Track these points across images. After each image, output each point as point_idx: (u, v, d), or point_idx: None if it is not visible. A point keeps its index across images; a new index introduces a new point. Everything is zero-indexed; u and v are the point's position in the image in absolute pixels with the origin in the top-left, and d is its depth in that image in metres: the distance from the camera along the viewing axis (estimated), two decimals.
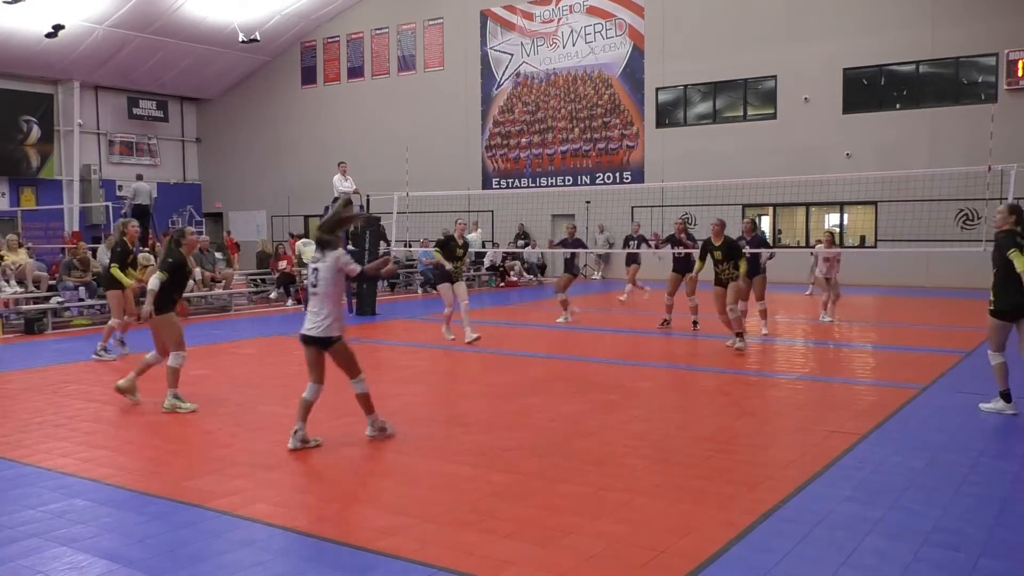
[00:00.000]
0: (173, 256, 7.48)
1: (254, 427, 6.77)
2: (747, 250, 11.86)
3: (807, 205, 22.19)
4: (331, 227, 6.07)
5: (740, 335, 10.38)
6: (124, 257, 10.32)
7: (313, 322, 5.93)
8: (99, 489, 5.20)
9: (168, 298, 7.43)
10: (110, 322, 10.55)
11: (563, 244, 14.54)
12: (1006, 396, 6.89)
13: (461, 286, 11.52)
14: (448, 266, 11.41)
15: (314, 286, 5.97)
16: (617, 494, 4.97)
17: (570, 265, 14.25)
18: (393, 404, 7.71)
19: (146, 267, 14.96)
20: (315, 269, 5.98)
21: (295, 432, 5.97)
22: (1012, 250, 6.68)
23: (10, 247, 14.75)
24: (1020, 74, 19.27)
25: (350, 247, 16.43)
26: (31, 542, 4.34)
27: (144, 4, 25.67)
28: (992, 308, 6.89)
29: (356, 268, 6.01)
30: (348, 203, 6.33)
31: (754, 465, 5.57)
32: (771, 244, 13.30)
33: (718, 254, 10.60)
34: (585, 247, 15.52)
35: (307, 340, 6.00)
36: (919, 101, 20.78)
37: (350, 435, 6.46)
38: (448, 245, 11.62)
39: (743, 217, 22.67)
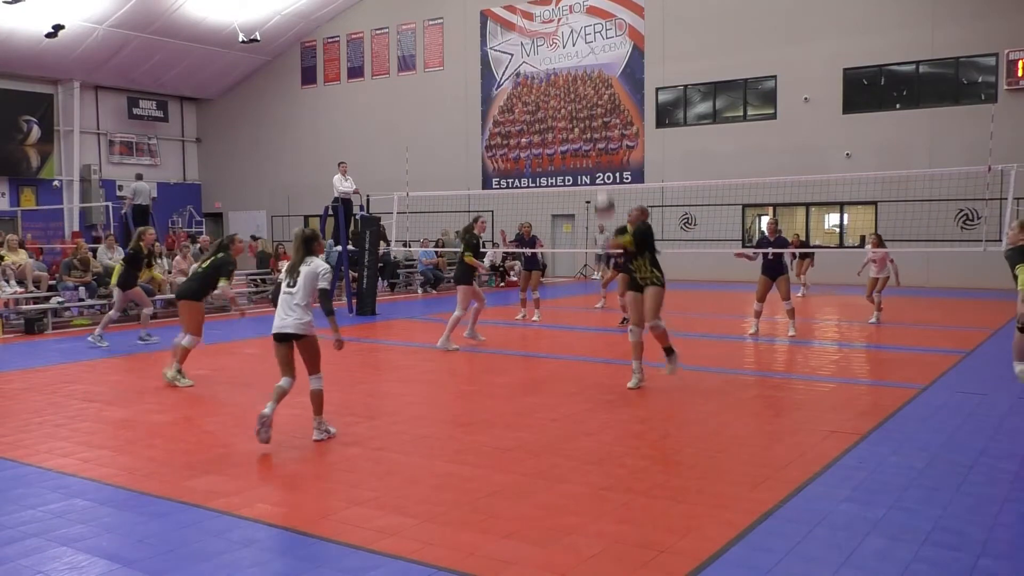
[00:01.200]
0: (232, 263, 8.79)
1: (254, 427, 6.76)
2: (770, 251, 11.84)
3: (807, 205, 22.20)
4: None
5: (669, 351, 8.18)
6: (139, 261, 11.30)
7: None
8: (99, 489, 5.20)
9: (204, 291, 8.68)
10: (109, 313, 11.72)
11: (519, 242, 14.95)
12: None
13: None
14: (484, 271, 11.11)
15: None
16: (617, 494, 4.97)
17: (532, 262, 14.54)
18: (393, 404, 7.72)
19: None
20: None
21: (265, 422, 5.97)
22: (1019, 264, 6.90)
23: (10, 247, 14.74)
24: (1020, 74, 19.27)
25: (351, 247, 16.45)
26: (31, 542, 4.34)
27: (144, 4, 25.67)
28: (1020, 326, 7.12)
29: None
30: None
31: (754, 465, 5.56)
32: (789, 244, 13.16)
33: (627, 239, 8.06)
34: (540, 244, 15.66)
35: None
36: (919, 101, 20.78)
37: (350, 435, 6.46)
38: (479, 246, 11.26)
39: (743, 217, 22.82)
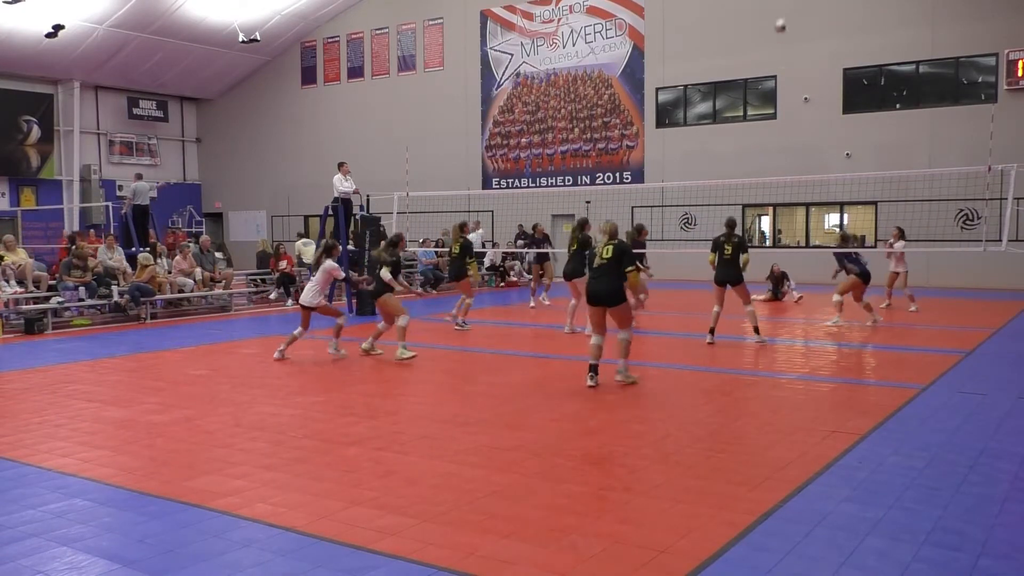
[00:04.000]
0: (396, 256, 10.57)
1: (254, 427, 6.77)
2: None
3: (807, 205, 22.19)
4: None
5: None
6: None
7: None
8: (99, 489, 5.20)
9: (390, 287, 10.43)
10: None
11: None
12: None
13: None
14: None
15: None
16: (617, 494, 4.97)
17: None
18: (393, 404, 7.72)
19: (146, 267, 15.06)
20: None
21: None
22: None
23: (8, 247, 14.74)
24: (1020, 74, 19.26)
25: (351, 247, 16.45)
26: (31, 542, 4.34)
27: (144, 4, 25.66)
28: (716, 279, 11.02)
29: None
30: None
31: (754, 465, 5.56)
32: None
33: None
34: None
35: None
36: (919, 101, 20.77)
37: (349, 435, 6.46)
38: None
39: (743, 217, 22.81)
